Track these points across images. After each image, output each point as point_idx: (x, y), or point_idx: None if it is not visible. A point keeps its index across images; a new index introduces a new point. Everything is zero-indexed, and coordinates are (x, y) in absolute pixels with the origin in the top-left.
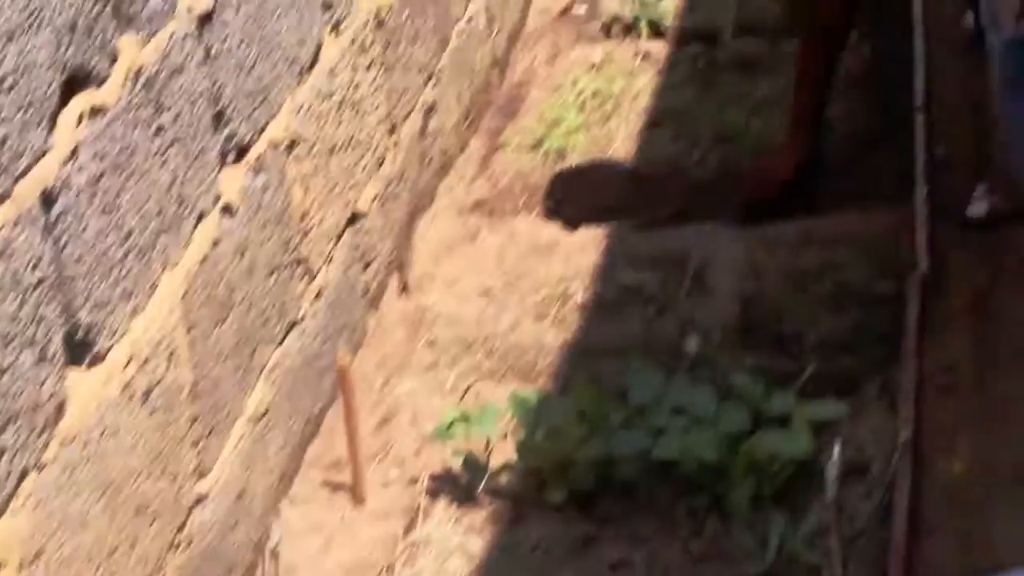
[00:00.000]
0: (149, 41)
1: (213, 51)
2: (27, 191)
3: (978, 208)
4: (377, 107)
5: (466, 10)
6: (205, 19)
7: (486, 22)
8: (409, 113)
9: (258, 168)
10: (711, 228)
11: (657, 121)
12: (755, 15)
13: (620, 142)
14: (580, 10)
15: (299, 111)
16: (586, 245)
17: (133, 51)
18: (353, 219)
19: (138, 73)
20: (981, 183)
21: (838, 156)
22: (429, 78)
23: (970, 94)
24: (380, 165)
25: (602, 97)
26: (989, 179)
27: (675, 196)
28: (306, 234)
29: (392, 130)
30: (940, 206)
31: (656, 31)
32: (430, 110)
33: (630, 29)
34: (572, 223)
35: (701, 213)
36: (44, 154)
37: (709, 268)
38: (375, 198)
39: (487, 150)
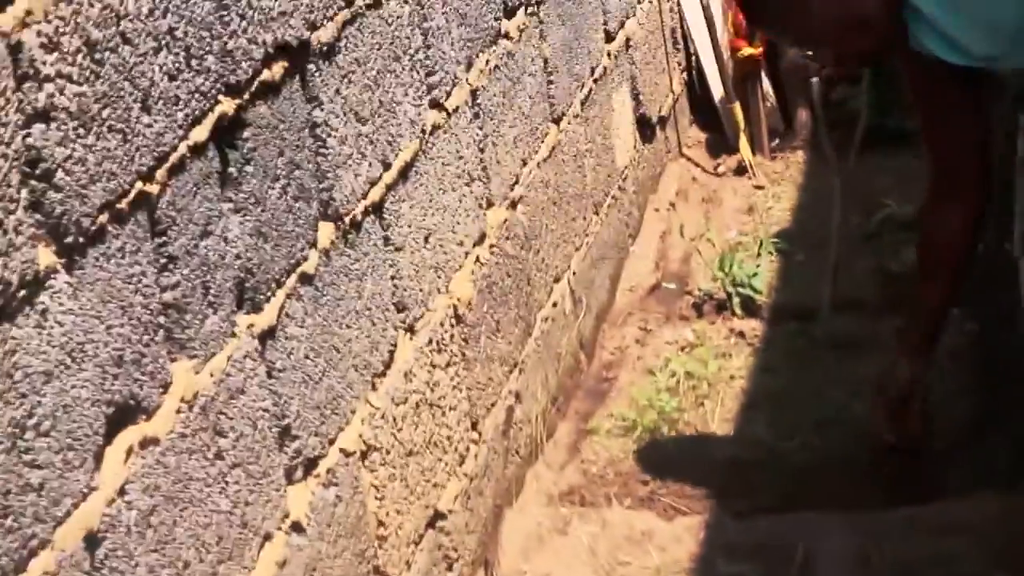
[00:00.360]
0: (205, 365)
1: (277, 366)
2: (69, 536)
3: None
4: (457, 405)
5: (551, 295)
6: (268, 335)
7: (572, 304)
8: (492, 406)
9: (329, 482)
10: (814, 517)
11: (753, 404)
12: (852, 291)
13: (715, 426)
14: (670, 286)
15: (372, 418)
16: (683, 535)
17: (187, 377)
18: (434, 520)
19: (193, 400)
20: None
21: (945, 442)
22: (513, 368)
23: None
24: (462, 462)
25: (695, 379)
26: None
27: (775, 485)
28: (383, 542)
29: (474, 425)
30: None
31: (749, 309)
32: (515, 401)
33: (722, 307)
34: (667, 512)
35: (803, 502)
36: (88, 495)
37: (814, 560)
38: (457, 496)
39: (576, 436)
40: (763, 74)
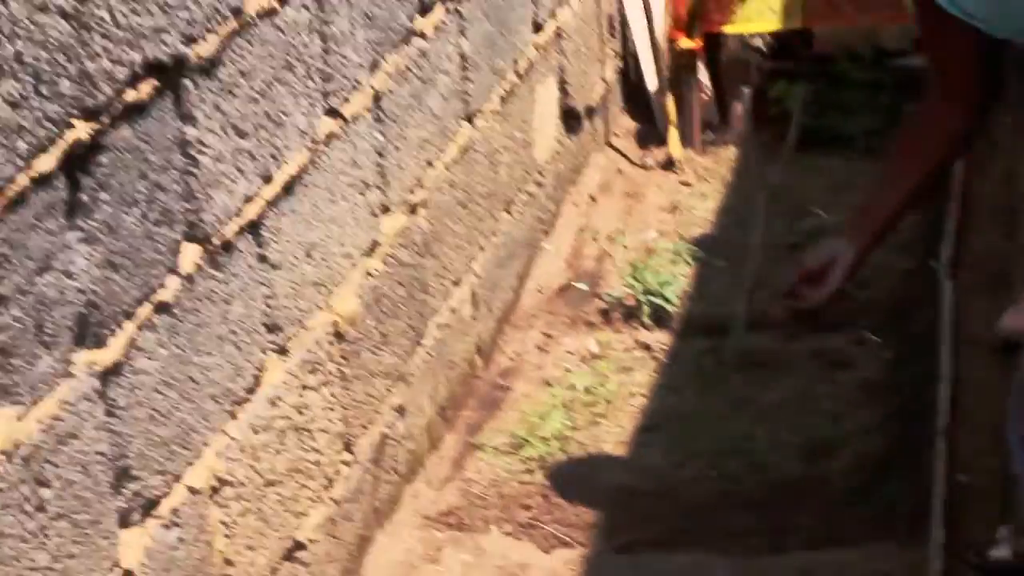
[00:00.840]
0: (31, 411)
1: (120, 405)
2: None
3: (1002, 552)
4: (329, 427)
5: (448, 300)
6: (111, 372)
7: (472, 308)
8: (370, 424)
9: (171, 523)
10: (700, 560)
11: (652, 426)
12: (768, 307)
13: (609, 449)
14: (581, 286)
15: (228, 450)
16: (560, 570)
17: (8, 426)
18: (293, 552)
19: (13, 451)
20: (1005, 524)
21: (847, 481)
22: (398, 381)
23: (999, 414)
24: (330, 486)
25: (593, 396)
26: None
27: (664, 518)
28: None
29: (347, 446)
30: (960, 546)
31: (659, 319)
32: (398, 416)
33: (631, 315)
34: (548, 541)
35: (691, 539)
36: None
37: None
38: (321, 524)
39: (462, 449)
40: (700, 66)
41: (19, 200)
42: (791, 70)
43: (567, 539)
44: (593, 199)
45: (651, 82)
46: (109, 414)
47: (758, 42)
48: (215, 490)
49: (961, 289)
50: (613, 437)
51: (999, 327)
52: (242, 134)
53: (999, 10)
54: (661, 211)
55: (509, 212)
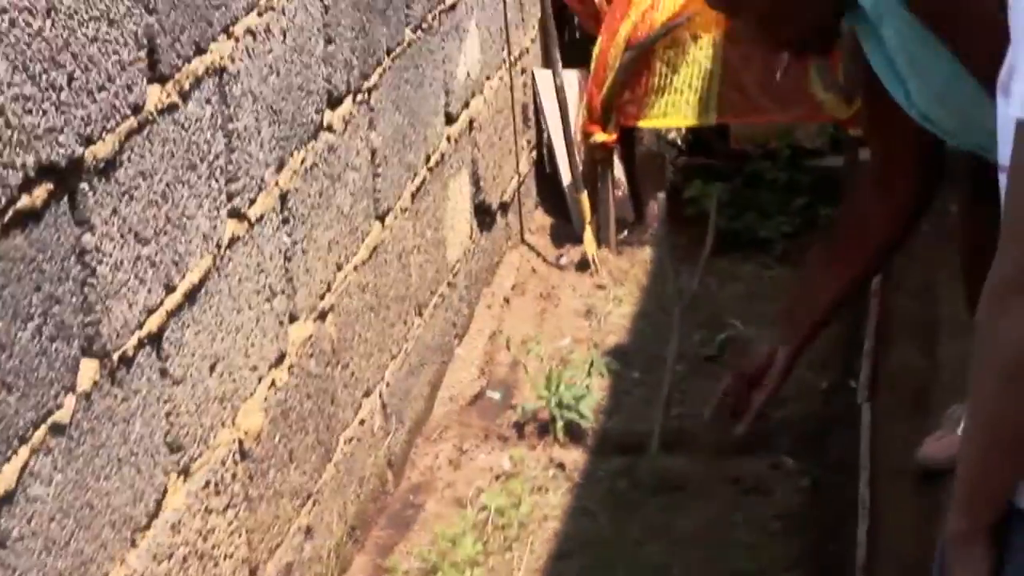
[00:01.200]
0: None
1: (14, 536)
2: None
3: None
4: (234, 552)
5: (358, 413)
6: (4, 501)
7: (382, 421)
8: (277, 547)
9: None
10: None
11: (565, 553)
12: (686, 424)
13: None
14: (494, 395)
15: None
16: None
17: None
18: None
19: None
20: None
21: None
22: (306, 501)
23: (920, 547)
24: None
25: (506, 518)
26: None
27: None
28: None
29: (253, 572)
30: None
31: (574, 435)
32: (305, 537)
33: (545, 430)
34: None
35: None
36: None
37: None
38: None
39: (372, 573)
40: (616, 161)
41: None
42: (707, 166)
43: None
44: (507, 301)
45: (566, 176)
46: (1, 547)
47: (674, 135)
48: None
49: (880, 411)
50: (526, 564)
51: (919, 456)
52: (142, 240)
53: (961, 124)
54: (576, 316)
55: (421, 316)
